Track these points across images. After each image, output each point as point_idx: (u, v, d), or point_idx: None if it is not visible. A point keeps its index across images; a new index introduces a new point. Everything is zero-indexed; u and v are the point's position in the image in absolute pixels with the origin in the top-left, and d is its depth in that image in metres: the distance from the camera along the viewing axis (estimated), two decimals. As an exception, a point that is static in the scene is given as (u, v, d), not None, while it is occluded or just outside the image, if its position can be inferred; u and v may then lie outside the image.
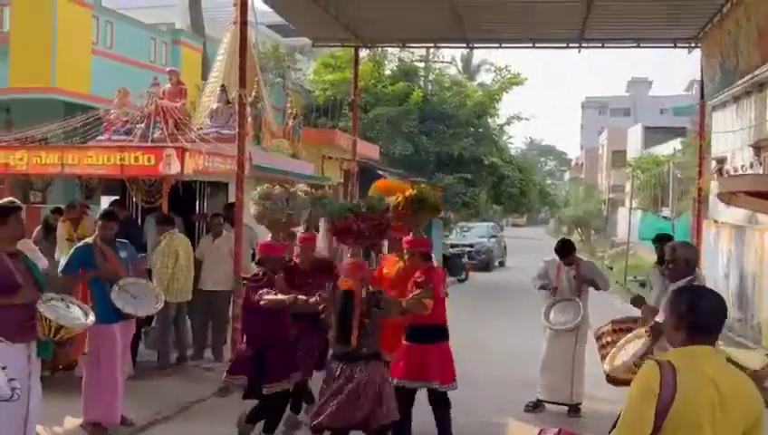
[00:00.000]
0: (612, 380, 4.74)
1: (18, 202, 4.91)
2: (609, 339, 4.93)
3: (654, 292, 5.96)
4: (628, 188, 30.42)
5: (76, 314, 4.86)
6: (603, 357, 4.92)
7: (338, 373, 4.52)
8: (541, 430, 3.16)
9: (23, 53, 12.63)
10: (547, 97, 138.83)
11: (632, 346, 4.21)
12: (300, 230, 6.35)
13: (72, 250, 5.94)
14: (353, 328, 4.47)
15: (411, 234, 5.46)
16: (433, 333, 5.35)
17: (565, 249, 7.10)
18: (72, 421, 5.95)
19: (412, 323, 5.22)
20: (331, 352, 4.83)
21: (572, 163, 74.92)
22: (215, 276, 8.21)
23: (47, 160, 7.91)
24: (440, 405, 5.41)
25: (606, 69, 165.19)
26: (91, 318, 5.05)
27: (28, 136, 8.89)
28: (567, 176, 75.48)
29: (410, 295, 4.91)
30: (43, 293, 4.65)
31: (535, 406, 7.01)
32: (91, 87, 13.18)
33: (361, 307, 4.52)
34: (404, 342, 5.35)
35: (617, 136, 46.34)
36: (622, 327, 4.92)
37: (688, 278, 4.71)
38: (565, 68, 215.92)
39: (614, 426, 2.62)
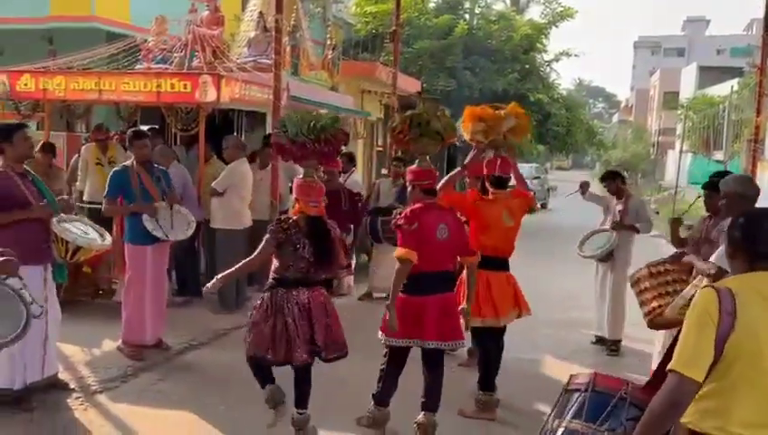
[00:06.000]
0: (655, 325, 4.56)
1: (25, 122, 4.90)
2: (647, 284, 4.72)
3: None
4: (678, 130, 29.44)
5: (92, 235, 4.88)
6: (642, 303, 4.74)
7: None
8: (571, 376, 3.00)
9: (62, -21, 12.51)
10: (598, 37, 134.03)
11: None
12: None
13: (110, 174, 5.95)
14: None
15: (416, 164, 4.71)
16: None
17: (606, 176, 7.13)
18: (110, 344, 6.08)
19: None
20: None
21: (622, 105, 72.81)
22: (258, 206, 8.13)
23: (84, 86, 7.89)
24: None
25: (660, 8, 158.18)
26: (108, 239, 5.08)
27: (67, 64, 8.85)
28: (616, 118, 73.49)
29: None
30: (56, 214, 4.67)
31: (598, 340, 7.08)
32: (131, 15, 13.04)
33: None
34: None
35: (669, 76, 44.69)
36: (660, 270, 4.70)
37: None
38: (618, 7, 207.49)
39: (662, 363, 2.46)
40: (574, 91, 64.27)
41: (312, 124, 4.29)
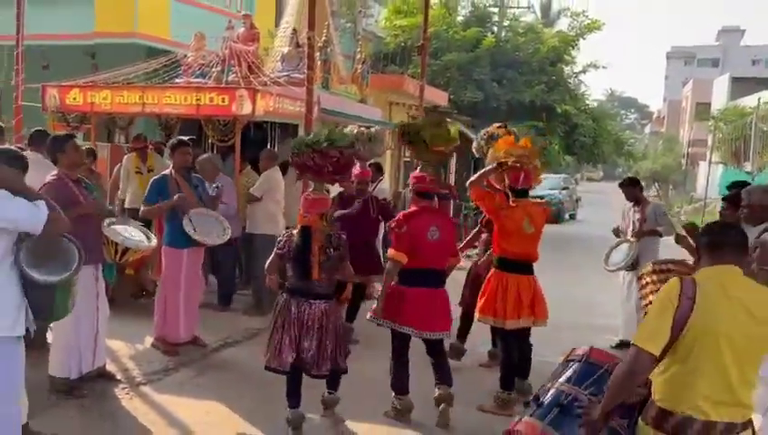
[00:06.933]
0: None
1: (73, 133, 5.34)
2: (648, 280, 4.97)
3: None
4: (710, 141, 29.25)
5: (139, 237, 5.30)
6: (642, 298, 4.99)
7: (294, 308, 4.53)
8: (573, 349, 3.34)
9: (107, -2, 13.14)
10: (631, 47, 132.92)
11: None
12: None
13: (150, 182, 6.37)
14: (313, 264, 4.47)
15: (418, 169, 5.20)
16: None
17: (625, 183, 7.36)
18: (152, 341, 6.48)
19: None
20: None
21: (654, 116, 72.09)
22: (294, 214, 8.43)
23: (129, 100, 8.37)
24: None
25: (695, 18, 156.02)
26: (154, 241, 5.50)
27: (111, 78, 9.37)
28: (648, 129, 72.80)
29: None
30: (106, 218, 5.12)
31: (620, 344, 7.25)
32: (170, 32, 13.62)
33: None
34: None
35: (702, 87, 44.22)
36: (662, 268, 4.94)
37: (766, 224, 4.47)
38: (651, 18, 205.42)
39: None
40: (606, 101, 63.89)
41: (309, 141, 4.67)
